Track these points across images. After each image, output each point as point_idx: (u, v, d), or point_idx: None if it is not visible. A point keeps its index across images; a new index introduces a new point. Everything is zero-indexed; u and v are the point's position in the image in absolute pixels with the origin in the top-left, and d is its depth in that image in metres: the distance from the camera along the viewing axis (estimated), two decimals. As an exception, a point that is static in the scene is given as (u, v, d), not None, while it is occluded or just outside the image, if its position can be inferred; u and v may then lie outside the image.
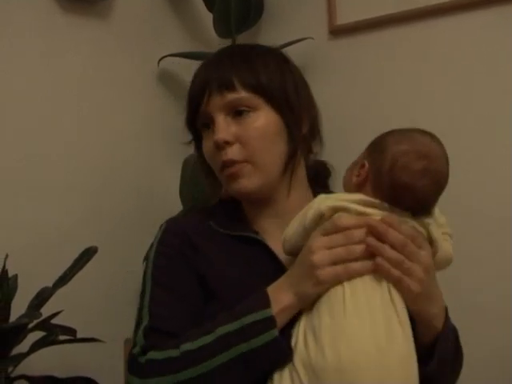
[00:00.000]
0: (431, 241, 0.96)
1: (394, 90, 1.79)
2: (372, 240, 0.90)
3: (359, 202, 0.94)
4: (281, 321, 0.91)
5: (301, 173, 1.12)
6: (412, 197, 0.94)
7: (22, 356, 1.37)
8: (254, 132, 1.03)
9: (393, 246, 0.90)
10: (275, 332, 0.89)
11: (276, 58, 1.11)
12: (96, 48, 1.78)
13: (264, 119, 1.04)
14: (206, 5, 1.97)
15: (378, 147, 1.00)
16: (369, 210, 0.94)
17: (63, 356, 1.53)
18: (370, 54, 1.84)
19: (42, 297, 1.39)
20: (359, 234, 0.91)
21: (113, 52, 1.82)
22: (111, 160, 1.80)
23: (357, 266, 0.90)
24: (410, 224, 0.94)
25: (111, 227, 1.77)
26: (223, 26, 1.93)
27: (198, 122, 1.10)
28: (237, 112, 1.04)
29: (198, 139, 1.14)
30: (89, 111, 1.76)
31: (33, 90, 1.64)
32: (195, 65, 1.96)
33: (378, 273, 0.90)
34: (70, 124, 1.71)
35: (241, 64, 1.06)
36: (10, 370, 1.39)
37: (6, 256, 1.37)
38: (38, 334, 1.40)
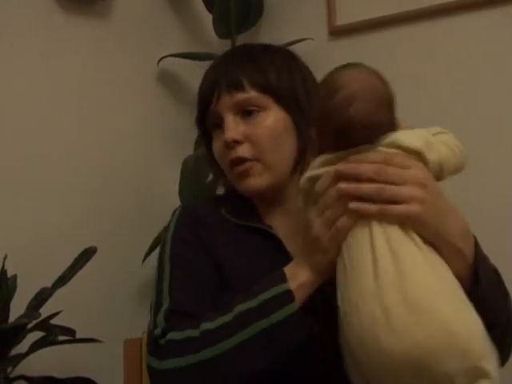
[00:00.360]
0: (414, 152, 0.87)
1: (395, 90, 1.79)
2: (341, 186, 0.86)
3: (324, 164, 0.90)
4: (300, 296, 0.90)
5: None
6: (354, 129, 0.87)
7: (21, 356, 1.37)
8: (263, 131, 1.04)
9: (370, 180, 0.84)
10: (294, 306, 0.88)
11: (284, 56, 1.11)
12: (96, 48, 1.78)
13: (273, 118, 1.04)
14: (205, 5, 1.97)
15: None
16: (336, 166, 0.89)
17: (62, 356, 1.52)
18: (369, 55, 1.83)
19: (41, 297, 1.39)
20: (333, 190, 0.87)
21: (112, 52, 1.82)
22: (111, 160, 1.80)
23: (342, 221, 0.86)
24: (378, 151, 0.87)
25: (111, 227, 1.77)
26: (223, 27, 1.93)
27: (207, 122, 1.11)
28: (246, 112, 1.04)
29: (207, 139, 1.14)
30: (89, 111, 1.76)
31: (33, 90, 1.64)
32: (195, 65, 1.99)
33: (364, 216, 0.84)
34: (70, 124, 1.72)
35: (249, 64, 1.06)
36: (9, 370, 1.39)
37: (5, 256, 1.37)
38: (37, 335, 1.40)
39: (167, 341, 0.93)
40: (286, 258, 1.01)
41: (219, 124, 1.07)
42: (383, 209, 0.83)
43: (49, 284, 1.40)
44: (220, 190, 1.87)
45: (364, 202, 0.84)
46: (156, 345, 0.94)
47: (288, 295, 0.89)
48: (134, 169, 1.87)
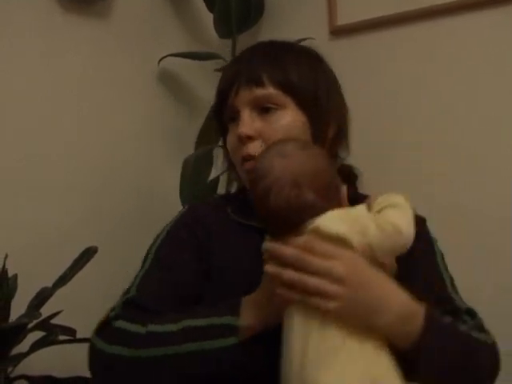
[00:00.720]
0: (336, 239, 0.84)
1: (395, 90, 1.79)
2: (267, 268, 0.86)
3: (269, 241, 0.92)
4: (247, 333, 0.91)
5: None
6: (277, 218, 0.88)
7: (22, 356, 1.37)
8: (277, 130, 1.02)
9: (292, 266, 0.83)
10: (233, 340, 0.89)
11: (310, 57, 1.10)
12: (96, 48, 1.78)
13: (290, 118, 1.03)
14: (206, 5, 1.97)
15: None
16: (265, 245, 0.92)
17: (63, 356, 1.52)
18: (370, 55, 1.84)
19: (42, 297, 1.39)
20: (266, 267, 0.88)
21: (113, 52, 1.82)
22: (111, 160, 1.80)
23: (277, 299, 0.87)
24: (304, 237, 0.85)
25: (111, 227, 1.77)
26: (224, 26, 1.93)
27: (224, 115, 1.09)
28: (263, 108, 1.03)
29: (223, 132, 1.12)
30: (89, 111, 1.76)
31: (33, 90, 1.64)
32: (195, 65, 1.99)
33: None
34: (70, 124, 1.71)
35: (272, 60, 1.05)
36: (9, 369, 1.39)
37: (6, 256, 1.37)
38: (37, 334, 1.40)
39: (116, 328, 0.96)
40: None
41: (235, 117, 1.06)
42: (304, 300, 0.83)
43: (49, 284, 1.40)
44: (221, 189, 1.88)
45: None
46: (106, 327, 0.97)
47: (234, 329, 0.90)
48: (135, 168, 1.87)
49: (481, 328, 0.98)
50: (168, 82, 1.99)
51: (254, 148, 1.02)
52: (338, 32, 1.86)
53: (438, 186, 1.71)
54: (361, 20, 1.83)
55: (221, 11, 1.91)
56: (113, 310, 1.00)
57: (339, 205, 0.91)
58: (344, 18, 1.86)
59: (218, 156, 1.91)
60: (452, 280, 1.06)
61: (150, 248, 1.10)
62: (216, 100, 1.11)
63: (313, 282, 0.82)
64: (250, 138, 1.02)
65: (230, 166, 1.14)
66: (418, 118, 1.76)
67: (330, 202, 0.89)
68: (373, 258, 0.86)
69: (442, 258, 1.08)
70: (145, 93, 1.92)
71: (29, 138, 1.62)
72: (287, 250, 0.84)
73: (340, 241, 0.84)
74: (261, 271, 0.94)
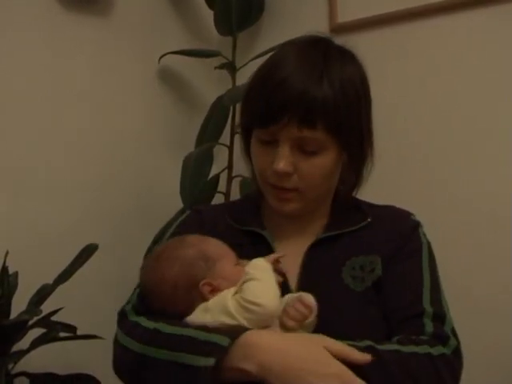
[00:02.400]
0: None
1: (396, 88, 1.79)
2: None
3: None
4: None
5: (333, 192, 1.11)
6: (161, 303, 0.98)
7: (23, 353, 1.38)
8: (316, 171, 1.00)
9: None
10: (212, 361, 0.86)
11: (358, 81, 1.06)
12: (97, 46, 1.78)
13: (330, 159, 1.00)
14: (207, 2, 1.97)
15: None
16: None
17: (63, 353, 1.53)
18: (371, 53, 1.81)
19: (43, 294, 1.39)
20: None
21: (113, 49, 1.82)
22: (112, 157, 1.81)
23: None
24: None
25: (112, 224, 1.77)
26: (224, 24, 1.93)
27: (253, 125, 1.03)
28: (306, 149, 0.99)
29: (247, 134, 1.07)
30: (90, 109, 1.76)
31: (33, 89, 1.64)
32: (196, 62, 1.99)
33: None
34: (72, 122, 1.72)
35: (328, 89, 0.97)
36: (10, 366, 1.39)
37: (7, 253, 1.37)
38: (38, 331, 1.40)
39: (134, 321, 0.98)
40: None
41: (271, 141, 1.01)
42: None
43: (50, 281, 1.40)
44: (221, 187, 1.88)
45: None
46: (125, 320, 1.00)
47: (220, 350, 0.86)
48: (135, 166, 1.87)
49: (438, 338, 0.97)
50: (169, 79, 1.99)
51: (290, 183, 1.00)
52: (339, 29, 1.86)
53: (440, 184, 1.72)
54: (361, 18, 1.83)
55: (221, 9, 1.91)
56: (128, 303, 1.04)
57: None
58: (344, 16, 1.86)
59: (219, 154, 1.91)
60: (435, 283, 1.05)
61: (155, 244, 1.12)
62: (253, 110, 1.02)
63: None
64: (287, 174, 1.00)
65: (251, 172, 1.11)
66: (420, 115, 1.76)
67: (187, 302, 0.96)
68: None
69: (430, 262, 1.07)
70: (145, 90, 1.92)
71: (30, 136, 1.62)
72: None
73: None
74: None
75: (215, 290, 0.95)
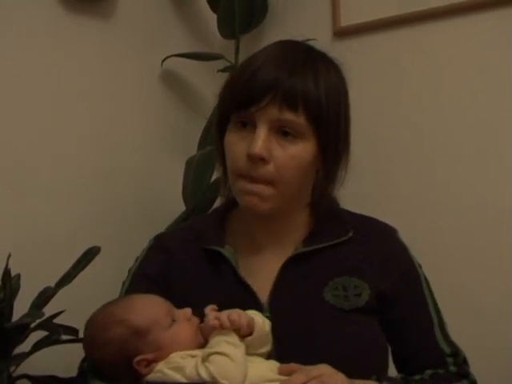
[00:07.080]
0: None
1: (398, 91, 1.79)
2: None
3: None
4: None
5: (308, 195, 1.07)
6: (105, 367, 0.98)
7: (24, 355, 1.38)
8: (291, 161, 0.97)
9: None
10: None
11: (338, 76, 1.05)
12: (99, 48, 1.78)
13: (306, 151, 0.98)
14: (210, 5, 1.98)
15: None
16: None
17: (65, 356, 1.52)
18: (374, 56, 1.84)
19: (45, 296, 1.39)
20: None
21: (116, 52, 1.82)
22: (114, 160, 1.81)
23: None
24: None
25: (114, 227, 1.77)
26: (227, 27, 1.93)
27: (232, 110, 1.00)
28: (284, 132, 0.97)
29: (223, 122, 1.03)
30: (91, 111, 1.76)
31: (35, 91, 1.64)
32: (199, 65, 1.99)
33: None
34: (73, 124, 1.71)
35: (312, 84, 0.97)
36: (12, 369, 1.39)
37: (9, 255, 1.37)
38: (40, 334, 1.40)
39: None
40: (234, 277, 1.01)
41: (247, 123, 0.98)
42: None
43: (52, 283, 1.40)
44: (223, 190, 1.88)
45: None
46: (83, 379, 1.05)
47: None
48: (137, 169, 1.87)
49: (461, 375, 1.00)
50: (171, 82, 1.99)
51: (268, 171, 0.97)
52: (342, 33, 1.86)
53: (439, 185, 1.72)
54: (364, 21, 1.83)
55: (224, 12, 1.91)
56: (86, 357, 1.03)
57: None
58: (347, 19, 1.86)
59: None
60: (439, 315, 1.05)
61: (124, 282, 1.16)
62: (231, 90, 1.01)
63: None
64: (262, 160, 0.96)
65: (220, 162, 1.07)
66: (421, 118, 1.76)
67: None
68: None
69: (430, 292, 1.06)
70: (148, 93, 1.92)
71: (32, 138, 1.62)
72: None
73: None
74: (210, 296, 0.96)
75: (151, 362, 0.94)
